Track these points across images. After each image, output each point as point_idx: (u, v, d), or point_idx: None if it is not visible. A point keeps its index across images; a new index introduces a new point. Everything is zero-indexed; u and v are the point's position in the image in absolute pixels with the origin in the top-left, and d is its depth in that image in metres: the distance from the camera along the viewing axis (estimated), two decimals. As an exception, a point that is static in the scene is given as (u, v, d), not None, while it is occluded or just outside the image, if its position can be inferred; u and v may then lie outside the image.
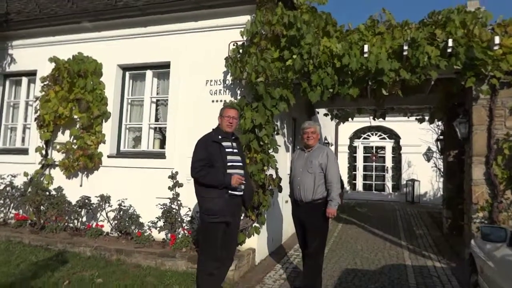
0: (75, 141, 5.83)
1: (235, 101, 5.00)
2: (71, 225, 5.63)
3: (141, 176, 5.56)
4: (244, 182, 3.45)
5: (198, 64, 5.52)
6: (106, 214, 5.43)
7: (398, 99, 7.79)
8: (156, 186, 5.34)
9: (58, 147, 5.97)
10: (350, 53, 5.03)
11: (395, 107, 8.45)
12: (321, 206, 3.84)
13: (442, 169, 12.16)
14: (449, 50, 4.86)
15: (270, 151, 4.90)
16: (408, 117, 8.95)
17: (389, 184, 14.42)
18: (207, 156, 3.37)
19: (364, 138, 14.95)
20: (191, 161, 3.42)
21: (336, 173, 3.88)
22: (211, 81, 5.42)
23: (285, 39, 4.84)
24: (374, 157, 14.69)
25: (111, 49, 5.98)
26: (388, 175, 14.42)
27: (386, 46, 5.13)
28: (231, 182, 3.33)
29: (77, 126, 5.85)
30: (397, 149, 14.31)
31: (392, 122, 13.40)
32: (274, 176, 4.86)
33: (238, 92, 5.27)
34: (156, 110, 6.11)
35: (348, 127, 14.15)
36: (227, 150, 3.46)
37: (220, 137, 3.50)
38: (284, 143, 6.18)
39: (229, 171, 3.39)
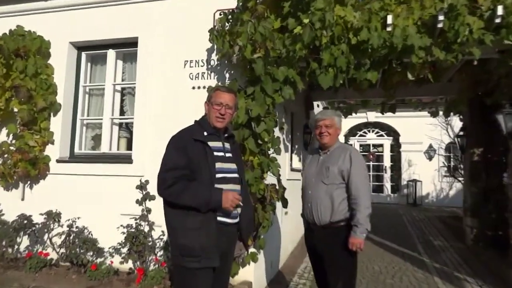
0: (13, 141, 4.47)
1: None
2: (10, 251, 4.28)
3: (101, 187, 4.26)
4: (241, 204, 2.23)
5: (174, 40, 4.25)
6: (50, 239, 4.10)
7: (410, 89, 6.77)
8: (121, 199, 4.07)
9: (-8, 149, 4.60)
10: (370, 26, 3.85)
11: (406, 99, 7.37)
12: (345, 232, 2.66)
13: (452, 169, 11.29)
14: (498, 20, 3.75)
15: (270, 152, 3.68)
16: (420, 110, 7.87)
17: (387, 185, 13.39)
18: (186, 163, 2.14)
19: (360, 136, 13.86)
20: (159, 170, 2.17)
21: (364, 184, 2.69)
22: (191, 62, 4.16)
23: (289, 2, 3.62)
24: (371, 156, 13.64)
25: (62, 23, 4.63)
26: (387, 175, 13.39)
27: (415, 17, 3.94)
28: (221, 202, 2.11)
29: (17, 122, 4.49)
30: (396, 147, 13.29)
31: (390, 118, 12.29)
32: (277, 186, 3.63)
33: (227, 75, 4.04)
34: (122, 101, 4.80)
35: (343, 124, 13.03)
36: (216, 154, 2.24)
37: (206, 133, 2.28)
38: (283, 141, 4.97)
39: (218, 186, 2.18)
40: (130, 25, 4.37)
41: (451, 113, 7.30)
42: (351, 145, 13.91)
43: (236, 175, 2.32)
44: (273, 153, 3.70)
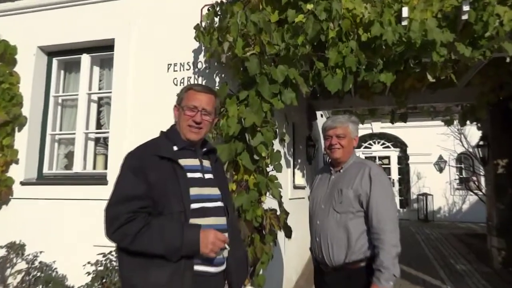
0: (-30, 161, 3.85)
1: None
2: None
3: (73, 213, 3.61)
4: (227, 246, 1.58)
5: (155, 41, 3.67)
6: (6, 277, 3.43)
7: (423, 95, 6.19)
8: (95, 227, 3.40)
9: None
10: (382, 20, 3.26)
11: (418, 107, 6.75)
12: (364, 276, 2.00)
13: (464, 181, 10.58)
14: (533, 10, 3.18)
15: (269, 169, 3.04)
16: (432, 119, 7.24)
17: (396, 199, 12.66)
18: (146, 191, 1.50)
19: (366, 147, 13.18)
20: (107, 202, 1.53)
21: (389, 213, 2.02)
22: (175, 65, 3.58)
23: (288, -9, 3.05)
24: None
25: (29, 26, 4.06)
26: (395, 189, 12.66)
27: (434, 9, 3.36)
28: (199, 246, 1.48)
29: (-24, 138, 3.87)
30: (403, 159, 12.59)
31: (396, 128, 11.70)
32: (278, 211, 2.97)
33: (217, 79, 3.44)
34: (99, 112, 4.19)
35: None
36: (191, 175, 1.62)
37: (176, 148, 1.66)
38: (284, 156, 4.34)
39: (194, 221, 1.54)
40: (106, 26, 3.80)
41: (467, 122, 6.70)
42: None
43: (219, 203, 1.69)
44: (272, 170, 3.06)
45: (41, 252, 3.49)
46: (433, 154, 11.64)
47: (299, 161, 5.85)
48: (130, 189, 1.49)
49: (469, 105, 6.24)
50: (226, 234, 1.63)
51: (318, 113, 7.44)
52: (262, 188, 2.84)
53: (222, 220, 1.65)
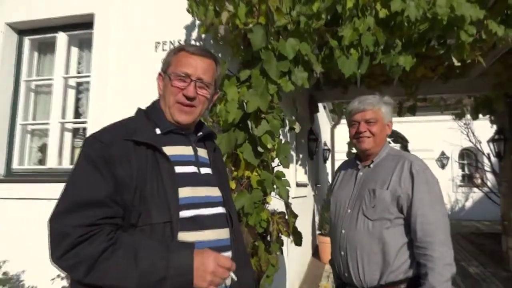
0: None
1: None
2: None
3: (45, 214, 3.10)
4: (234, 276, 1.08)
5: (141, 15, 3.17)
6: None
7: (434, 86, 5.78)
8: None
9: None
10: (403, -6, 2.81)
11: (427, 99, 6.31)
12: None
13: (468, 178, 10.19)
14: None
15: (274, 164, 2.57)
16: (442, 112, 6.81)
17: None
18: (112, 194, 1.01)
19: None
20: (53, 209, 1.03)
21: (439, 221, 1.55)
22: (164, 43, 3.08)
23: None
24: None
25: (-3, -1, 3.54)
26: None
27: (461, -19, 2.94)
28: (192, 275, 0.98)
29: None
30: (404, 155, 12.16)
31: (397, 123, 11.21)
32: (287, 215, 2.49)
33: (213, 59, 2.95)
34: (78, 100, 3.68)
35: (346, 130, 11.99)
36: (181, 169, 1.14)
37: (159, 132, 1.18)
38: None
39: (185, 236, 1.06)
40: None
41: (479, 115, 6.28)
42: (351, 152, 12.89)
43: (220, 209, 1.22)
44: (278, 165, 2.59)
45: (4, 261, 2.98)
46: (435, 150, 11.26)
47: (301, 156, 5.39)
48: (87, 191, 1.00)
49: (482, 96, 5.83)
50: (230, 253, 1.16)
51: (320, 105, 6.99)
52: (268, 186, 2.35)
53: (224, 233, 1.18)
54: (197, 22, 2.94)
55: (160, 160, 1.10)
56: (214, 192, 1.22)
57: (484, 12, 2.85)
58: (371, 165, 1.77)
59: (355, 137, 1.81)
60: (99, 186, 1.01)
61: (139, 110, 1.25)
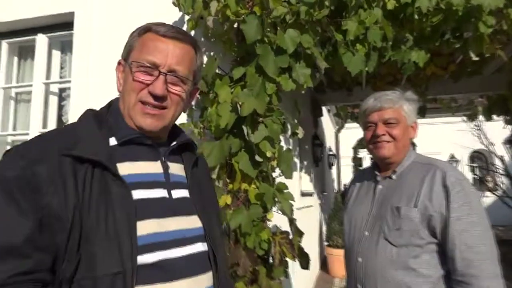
0: None
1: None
2: None
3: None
4: None
5: (125, 12, 2.88)
6: None
7: (445, 85, 5.47)
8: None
9: None
10: (414, -17, 2.52)
11: (438, 99, 5.98)
12: None
13: (479, 181, 9.76)
14: None
15: (275, 174, 2.24)
16: (453, 114, 6.47)
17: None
18: (36, 236, 0.69)
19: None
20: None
21: (485, 247, 1.22)
22: (151, 42, 2.77)
23: None
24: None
25: (-28, 1, 3.26)
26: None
27: (478, -33, 2.64)
28: None
29: None
30: (411, 159, 11.80)
31: (404, 127, 10.93)
32: (291, 234, 2.15)
33: (205, 58, 2.65)
34: (60, 107, 3.38)
35: (351, 135, 11.62)
36: (142, 196, 0.82)
37: (115, 142, 0.85)
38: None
39: None
40: (64, -4, 3.00)
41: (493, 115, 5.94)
42: (357, 157, 12.54)
43: (200, 246, 0.89)
44: (280, 175, 2.26)
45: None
46: (444, 153, 10.88)
47: (305, 163, 5.06)
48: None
49: (496, 95, 5.50)
50: None
51: (324, 109, 6.67)
52: (268, 201, 2.02)
53: (204, 281, 0.86)
54: (186, 17, 2.64)
55: (111, 183, 0.78)
56: (190, 223, 0.89)
57: (504, 0, 2.56)
58: (393, 176, 1.44)
59: (371, 142, 1.48)
60: (15, 226, 0.69)
61: (87, 112, 0.92)
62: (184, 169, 0.98)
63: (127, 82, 0.89)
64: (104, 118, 0.90)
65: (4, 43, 3.33)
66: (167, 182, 0.90)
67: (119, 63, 0.95)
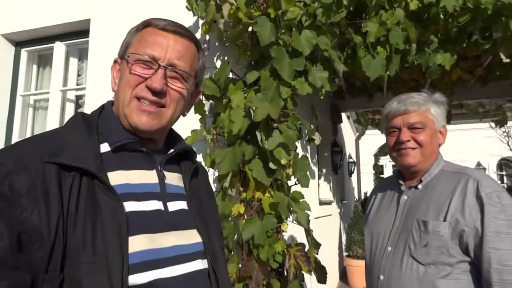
0: None
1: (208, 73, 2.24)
2: None
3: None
4: None
5: (139, 18, 2.85)
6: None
7: (471, 90, 5.25)
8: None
9: None
10: (439, -20, 2.39)
11: (464, 105, 5.74)
12: None
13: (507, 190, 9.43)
14: None
15: (291, 183, 2.14)
16: (481, 120, 6.19)
17: None
18: (10, 252, 0.61)
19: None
20: None
21: None
22: (165, 48, 2.74)
23: None
24: None
25: (-7, 10, 3.33)
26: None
27: (507, -37, 2.49)
28: None
29: None
30: (436, 167, 11.41)
31: (427, 133, 10.59)
32: (307, 246, 2.04)
33: (218, 63, 2.59)
34: (77, 114, 3.40)
35: (372, 142, 11.40)
36: (135, 208, 0.74)
37: (107, 148, 0.78)
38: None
39: None
40: (80, 4, 3.01)
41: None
42: (378, 164, 12.22)
43: (199, 264, 0.81)
44: (296, 184, 2.15)
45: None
46: (470, 160, 10.48)
47: (324, 171, 4.93)
48: None
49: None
50: None
51: (344, 115, 6.51)
52: (282, 211, 1.93)
53: None
54: (200, 21, 2.59)
55: (100, 194, 0.71)
56: (188, 238, 0.81)
57: (536, -2, 2.40)
58: (419, 186, 1.32)
59: (395, 149, 1.36)
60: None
61: (77, 115, 0.85)
62: (182, 179, 0.90)
63: (123, 78, 0.82)
64: (95, 122, 0.83)
65: (24, 51, 3.38)
66: (163, 194, 0.82)
67: (115, 61, 0.89)
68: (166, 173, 0.85)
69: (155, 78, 0.79)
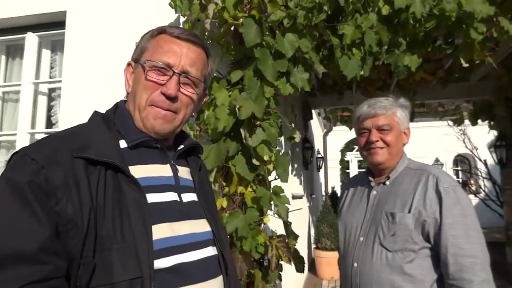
0: None
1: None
2: None
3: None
4: None
5: (119, 13, 2.85)
6: None
7: (433, 91, 5.59)
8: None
9: None
10: (408, -12, 2.57)
11: (426, 104, 6.10)
12: None
13: (462, 184, 10.03)
14: None
15: (271, 178, 2.25)
16: (441, 118, 6.59)
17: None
18: (51, 243, 0.67)
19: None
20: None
21: (477, 251, 1.25)
22: (145, 43, 2.74)
23: None
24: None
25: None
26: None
27: (469, -25, 2.71)
28: None
29: None
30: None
31: (390, 130, 11.08)
32: (287, 238, 2.16)
33: (200, 60, 2.63)
34: (50, 108, 3.32)
35: (338, 138, 11.78)
36: (155, 199, 0.81)
37: (125, 145, 0.84)
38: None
39: None
40: (55, -6, 2.94)
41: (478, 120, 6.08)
42: (344, 159, 12.61)
43: (210, 250, 0.89)
44: (275, 179, 2.26)
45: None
46: (429, 156, 11.09)
47: (295, 166, 5.08)
48: (10, 240, 0.66)
49: (481, 101, 5.65)
50: None
51: (314, 112, 6.72)
52: (264, 204, 2.03)
53: (217, 287, 0.85)
54: (182, 19, 2.62)
55: (125, 186, 0.77)
56: (200, 226, 0.89)
57: (494, 8, 2.63)
58: (387, 182, 1.46)
59: (365, 148, 1.50)
60: (30, 232, 0.67)
61: (96, 114, 0.91)
62: (190, 173, 0.98)
63: (139, 82, 0.88)
64: (112, 120, 0.89)
65: (-8, 41, 3.25)
66: (177, 186, 0.89)
67: (128, 64, 0.94)
68: (178, 167, 0.93)
69: (169, 85, 0.86)
